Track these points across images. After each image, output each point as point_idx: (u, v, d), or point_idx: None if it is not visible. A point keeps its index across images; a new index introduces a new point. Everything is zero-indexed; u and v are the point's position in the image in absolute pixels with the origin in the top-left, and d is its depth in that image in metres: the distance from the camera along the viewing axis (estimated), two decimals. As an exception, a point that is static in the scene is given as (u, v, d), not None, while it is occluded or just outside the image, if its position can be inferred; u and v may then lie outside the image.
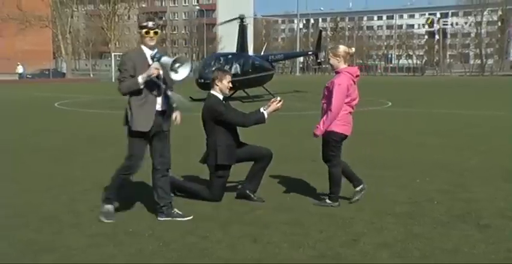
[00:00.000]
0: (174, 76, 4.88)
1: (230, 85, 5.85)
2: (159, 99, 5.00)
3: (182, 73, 4.90)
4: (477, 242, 4.50)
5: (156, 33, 4.92)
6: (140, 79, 4.84)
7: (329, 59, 5.70)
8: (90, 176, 7.14)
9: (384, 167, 7.87)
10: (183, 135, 11.72)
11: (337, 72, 5.63)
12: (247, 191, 5.87)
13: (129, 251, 4.27)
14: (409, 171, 7.60)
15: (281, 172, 7.25)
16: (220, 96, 5.81)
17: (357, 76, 5.68)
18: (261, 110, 5.79)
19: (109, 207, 5.20)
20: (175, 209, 5.24)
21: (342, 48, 5.64)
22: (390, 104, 21.52)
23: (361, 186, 5.81)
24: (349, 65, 5.70)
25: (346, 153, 9.19)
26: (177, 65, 4.86)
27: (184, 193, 6.00)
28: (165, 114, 5.10)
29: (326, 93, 5.61)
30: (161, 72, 4.91)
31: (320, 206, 5.61)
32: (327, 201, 5.68)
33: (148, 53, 4.96)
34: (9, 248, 4.34)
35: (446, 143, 10.40)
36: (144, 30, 4.90)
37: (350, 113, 5.67)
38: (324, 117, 5.54)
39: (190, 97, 23.06)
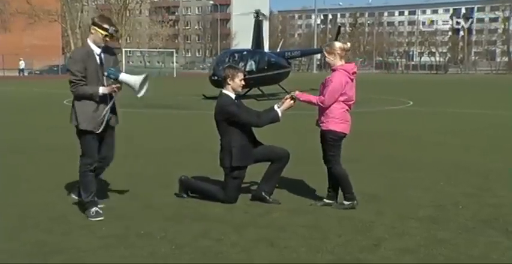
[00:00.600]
0: (137, 93, 5.33)
1: (243, 83, 5.85)
2: (107, 99, 5.34)
3: (143, 91, 5.36)
4: (506, 250, 4.44)
5: (111, 38, 5.26)
6: (101, 91, 5.19)
7: (325, 57, 5.70)
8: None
9: (406, 169, 7.83)
10: (197, 134, 11.77)
11: (333, 70, 5.62)
12: (263, 193, 5.86)
13: (140, 253, 4.29)
14: (431, 173, 7.54)
15: (297, 173, 7.23)
16: (233, 95, 5.80)
17: (354, 73, 5.64)
18: (275, 107, 5.78)
19: (93, 210, 5.30)
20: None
21: (336, 45, 5.62)
22: (411, 103, 21.40)
23: (331, 202, 5.75)
24: (346, 62, 5.67)
25: (365, 154, 9.24)
26: (142, 86, 5.29)
27: (198, 194, 6.01)
28: (112, 111, 5.46)
29: (322, 90, 5.60)
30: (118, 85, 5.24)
31: (339, 209, 5.59)
32: (345, 202, 5.66)
33: (96, 50, 5.25)
34: (19, 249, 4.38)
35: (470, 144, 10.32)
36: (104, 33, 5.18)
37: (347, 110, 5.66)
38: (313, 98, 5.58)
39: (203, 95, 23.17)
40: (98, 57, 5.25)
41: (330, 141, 5.60)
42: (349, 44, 5.75)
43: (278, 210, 5.56)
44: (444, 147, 9.94)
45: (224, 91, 5.83)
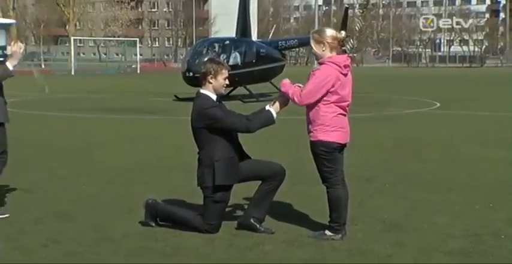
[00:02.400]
0: None
1: (227, 82, 5.88)
2: None
3: None
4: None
5: None
6: (11, 66, 6.15)
7: (312, 46, 5.70)
8: (45, 200, 7.18)
9: (432, 188, 7.88)
10: (168, 146, 11.79)
11: (320, 64, 5.65)
12: (252, 220, 5.89)
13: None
14: (465, 194, 7.60)
15: (294, 194, 7.27)
16: (213, 97, 5.82)
17: (346, 66, 5.63)
18: (267, 107, 5.81)
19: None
20: None
21: (328, 33, 5.64)
22: (438, 104, 21.56)
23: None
24: (337, 54, 5.68)
25: (382, 170, 9.31)
26: None
27: (169, 222, 6.03)
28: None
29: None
30: None
31: (317, 239, 5.62)
32: (327, 233, 5.67)
33: None
34: None
35: (515, 157, 10.41)
36: None
37: (342, 115, 5.65)
38: (291, 91, 5.60)
39: (175, 96, 23.21)
40: None
41: (322, 155, 5.60)
42: (343, 33, 5.78)
43: (271, 242, 5.59)
44: (482, 162, 10.02)
45: (203, 91, 5.85)
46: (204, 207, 5.87)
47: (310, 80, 5.53)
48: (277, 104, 5.79)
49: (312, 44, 5.68)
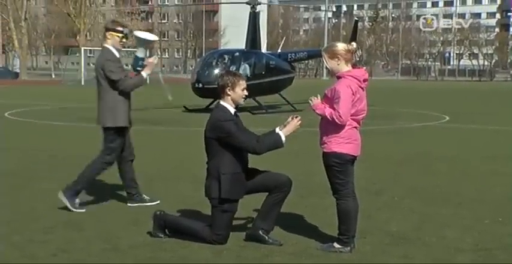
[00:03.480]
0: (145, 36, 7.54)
1: (245, 93, 5.91)
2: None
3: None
4: None
5: (127, 38, 7.42)
6: (145, 75, 7.34)
7: (326, 63, 5.74)
8: (54, 209, 7.19)
9: (441, 202, 7.87)
10: (176, 157, 11.80)
11: (338, 77, 5.69)
12: (260, 232, 5.90)
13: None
14: (475, 208, 7.58)
15: (302, 206, 7.26)
16: (232, 110, 5.88)
17: (365, 80, 5.73)
18: (276, 130, 5.84)
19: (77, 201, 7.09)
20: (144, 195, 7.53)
21: (340, 47, 5.68)
22: (448, 118, 21.53)
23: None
24: (353, 66, 5.72)
25: (391, 183, 9.29)
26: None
27: (177, 233, 6.04)
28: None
29: (325, 103, 5.66)
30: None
31: (329, 252, 5.62)
32: (336, 245, 5.67)
33: (116, 54, 7.33)
34: None
35: (524, 172, 10.38)
36: (120, 35, 7.29)
37: (355, 128, 5.70)
38: (328, 112, 5.57)
39: (184, 106, 23.28)
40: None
41: (335, 166, 5.63)
42: (354, 45, 5.82)
43: (280, 254, 5.59)
44: (491, 176, 10.00)
45: (222, 103, 5.90)
46: (212, 218, 5.88)
47: (341, 97, 5.53)
48: (287, 127, 5.82)
49: (326, 60, 5.72)
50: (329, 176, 5.72)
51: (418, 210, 7.38)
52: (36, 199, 7.79)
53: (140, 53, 7.56)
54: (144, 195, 7.59)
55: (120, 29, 7.33)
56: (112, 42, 7.31)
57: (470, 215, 7.21)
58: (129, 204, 7.48)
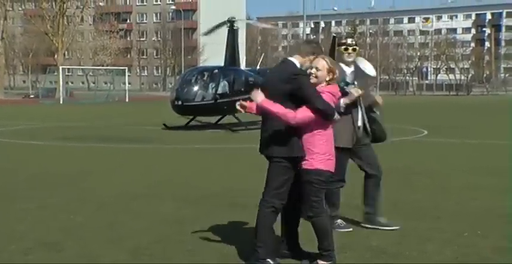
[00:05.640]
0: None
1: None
2: (359, 115, 6.93)
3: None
4: None
5: (354, 49, 6.95)
6: (343, 104, 6.58)
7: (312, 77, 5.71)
8: (34, 230, 7.14)
9: (421, 216, 7.90)
10: (161, 173, 11.77)
11: None
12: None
13: None
14: (454, 221, 7.63)
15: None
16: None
17: (339, 98, 5.91)
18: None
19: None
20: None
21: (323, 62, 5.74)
22: (426, 132, 21.66)
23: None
24: (328, 83, 5.71)
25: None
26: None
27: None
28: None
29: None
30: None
31: None
32: (320, 262, 5.66)
33: (347, 70, 6.89)
34: None
35: (503, 185, 10.44)
36: (342, 47, 6.92)
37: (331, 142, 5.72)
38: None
39: (164, 124, 23.24)
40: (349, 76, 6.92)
41: (316, 184, 5.58)
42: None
43: (261, 271, 5.57)
44: (470, 189, 10.04)
45: (291, 58, 5.82)
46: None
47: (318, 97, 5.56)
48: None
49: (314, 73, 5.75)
50: (306, 193, 5.64)
51: (398, 224, 7.40)
52: (15, 219, 7.72)
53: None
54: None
55: (342, 41, 7.09)
56: (340, 58, 7.00)
57: (449, 228, 7.25)
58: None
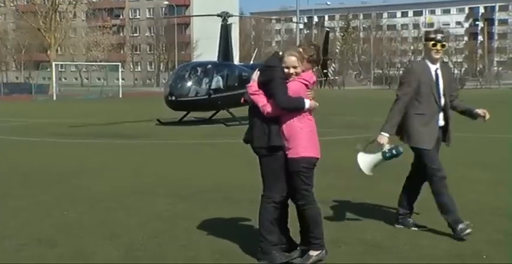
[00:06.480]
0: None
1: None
2: (440, 115, 6.98)
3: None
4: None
5: (443, 46, 6.56)
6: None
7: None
8: (27, 226, 7.13)
9: (415, 210, 7.90)
10: (155, 169, 11.74)
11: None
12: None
13: None
14: (448, 215, 7.64)
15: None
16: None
17: (314, 83, 5.84)
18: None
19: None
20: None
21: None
22: (421, 126, 21.64)
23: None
24: (303, 71, 5.72)
25: (367, 191, 9.30)
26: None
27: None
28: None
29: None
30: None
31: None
32: (312, 253, 5.64)
33: (432, 67, 6.60)
34: None
35: (498, 179, 10.47)
36: (431, 43, 6.49)
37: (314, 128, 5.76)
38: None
39: (158, 120, 23.21)
40: (434, 73, 6.64)
41: (303, 172, 5.61)
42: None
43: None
44: (464, 183, 10.04)
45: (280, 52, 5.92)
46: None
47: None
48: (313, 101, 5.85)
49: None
50: (296, 182, 5.65)
51: (392, 218, 7.41)
52: (7, 216, 7.70)
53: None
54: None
55: (431, 36, 6.60)
56: (426, 54, 6.70)
57: (443, 221, 7.24)
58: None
